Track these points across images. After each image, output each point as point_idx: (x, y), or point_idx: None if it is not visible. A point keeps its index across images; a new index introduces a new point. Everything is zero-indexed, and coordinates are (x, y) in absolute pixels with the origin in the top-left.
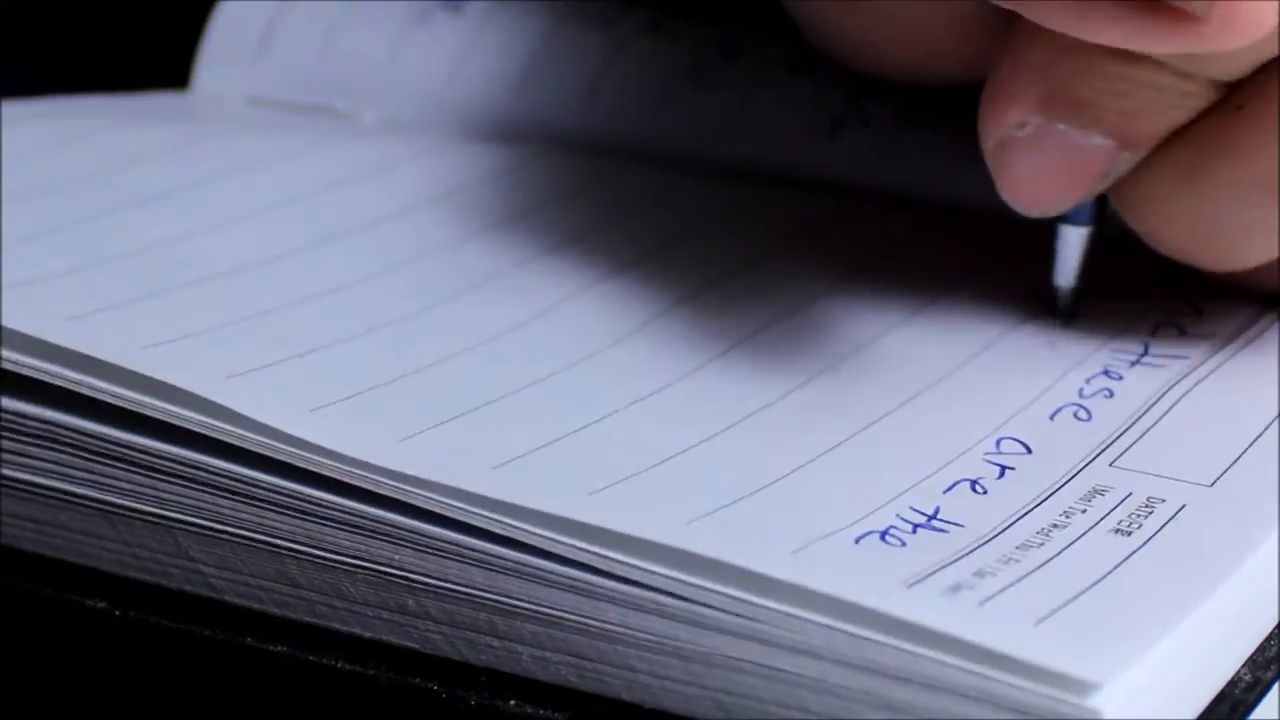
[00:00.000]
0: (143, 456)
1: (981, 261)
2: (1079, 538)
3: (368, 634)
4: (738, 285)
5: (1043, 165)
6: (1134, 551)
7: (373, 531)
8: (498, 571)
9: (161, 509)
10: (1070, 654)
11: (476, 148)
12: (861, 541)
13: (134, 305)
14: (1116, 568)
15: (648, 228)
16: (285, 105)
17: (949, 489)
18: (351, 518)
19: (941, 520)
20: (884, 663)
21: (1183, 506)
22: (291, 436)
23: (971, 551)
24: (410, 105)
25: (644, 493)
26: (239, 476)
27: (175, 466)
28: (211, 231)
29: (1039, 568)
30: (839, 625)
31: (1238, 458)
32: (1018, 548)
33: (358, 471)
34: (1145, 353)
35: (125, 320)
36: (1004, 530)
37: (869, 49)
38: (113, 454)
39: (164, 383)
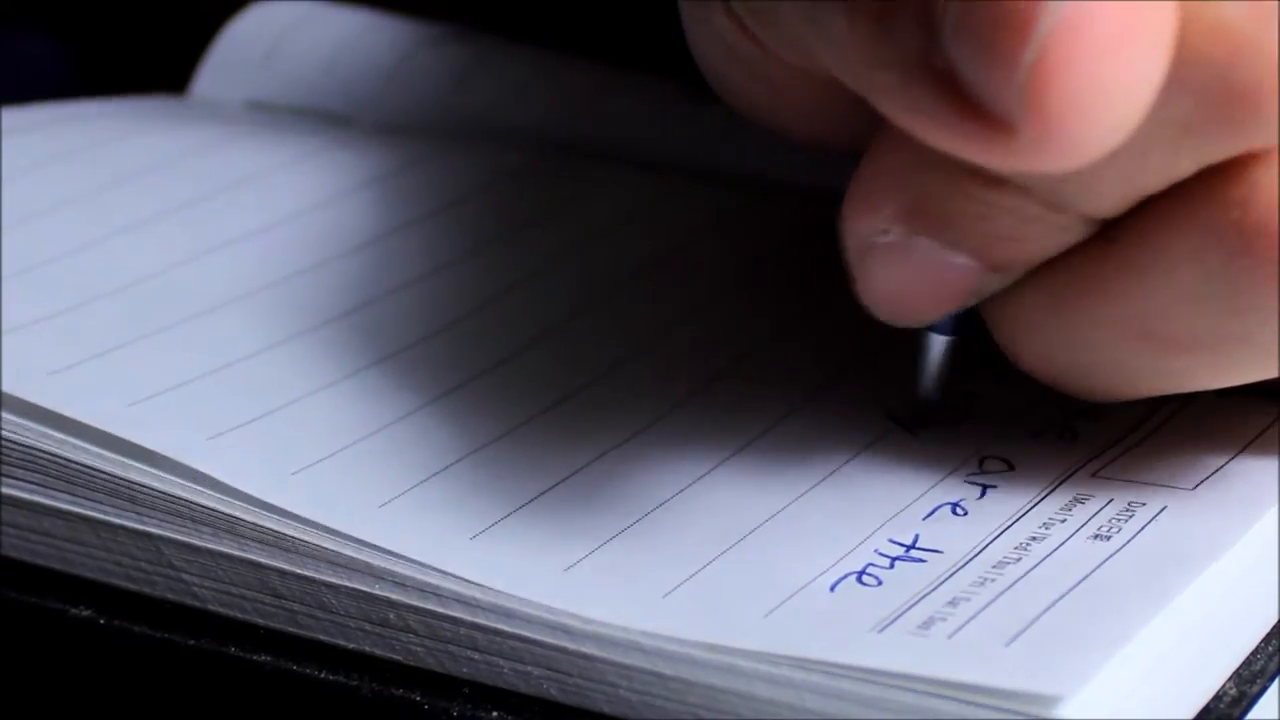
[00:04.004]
0: (127, 489)
1: None
2: (1057, 548)
3: (350, 645)
4: (715, 315)
5: (903, 277)
6: (1111, 555)
7: (353, 568)
8: (477, 608)
9: (144, 526)
10: (1037, 671)
11: (471, 155)
12: (837, 588)
13: (118, 353)
14: (1092, 572)
15: (641, 240)
16: (284, 108)
17: (929, 515)
18: (331, 553)
19: (920, 549)
20: (859, 693)
21: (1163, 509)
22: (272, 505)
23: (947, 579)
24: (411, 111)
25: (616, 566)
26: (222, 514)
27: (158, 499)
28: (202, 259)
29: (1014, 584)
30: (812, 677)
31: (1223, 464)
32: (994, 566)
33: (338, 539)
34: None
35: (108, 373)
36: (982, 550)
37: (760, 109)
38: (96, 483)
39: (146, 448)
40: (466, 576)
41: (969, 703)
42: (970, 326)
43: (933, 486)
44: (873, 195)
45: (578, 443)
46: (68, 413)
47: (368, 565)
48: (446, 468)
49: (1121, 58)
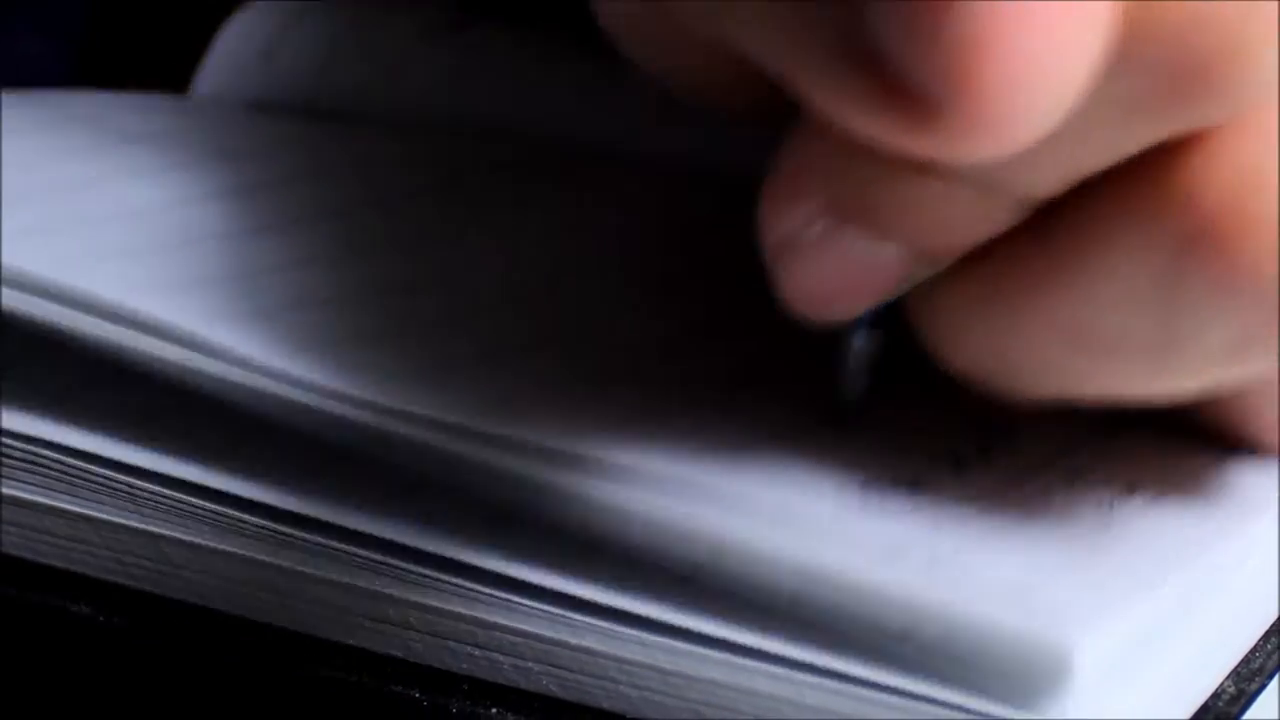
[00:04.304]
0: (128, 491)
1: None
2: (1060, 511)
3: (350, 641)
4: (707, 309)
5: (830, 271)
6: (1114, 524)
7: (356, 564)
8: (478, 601)
9: (145, 524)
10: (1045, 621)
11: (465, 149)
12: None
13: (123, 258)
14: (1097, 535)
15: (638, 237)
16: (285, 107)
17: (927, 465)
18: (333, 549)
19: (920, 494)
20: (859, 691)
21: (1164, 492)
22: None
23: (948, 526)
24: (410, 107)
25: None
26: (224, 513)
27: (159, 499)
28: (205, 242)
29: (1016, 538)
30: (811, 676)
31: (1224, 456)
32: (996, 521)
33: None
34: None
35: (118, 269)
36: (984, 504)
37: (666, 75)
38: (97, 483)
39: (151, 323)
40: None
41: (968, 696)
42: (894, 322)
43: (932, 441)
44: (798, 188)
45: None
46: (76, 286)
47: (363, 555)
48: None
49: (1059, 27)
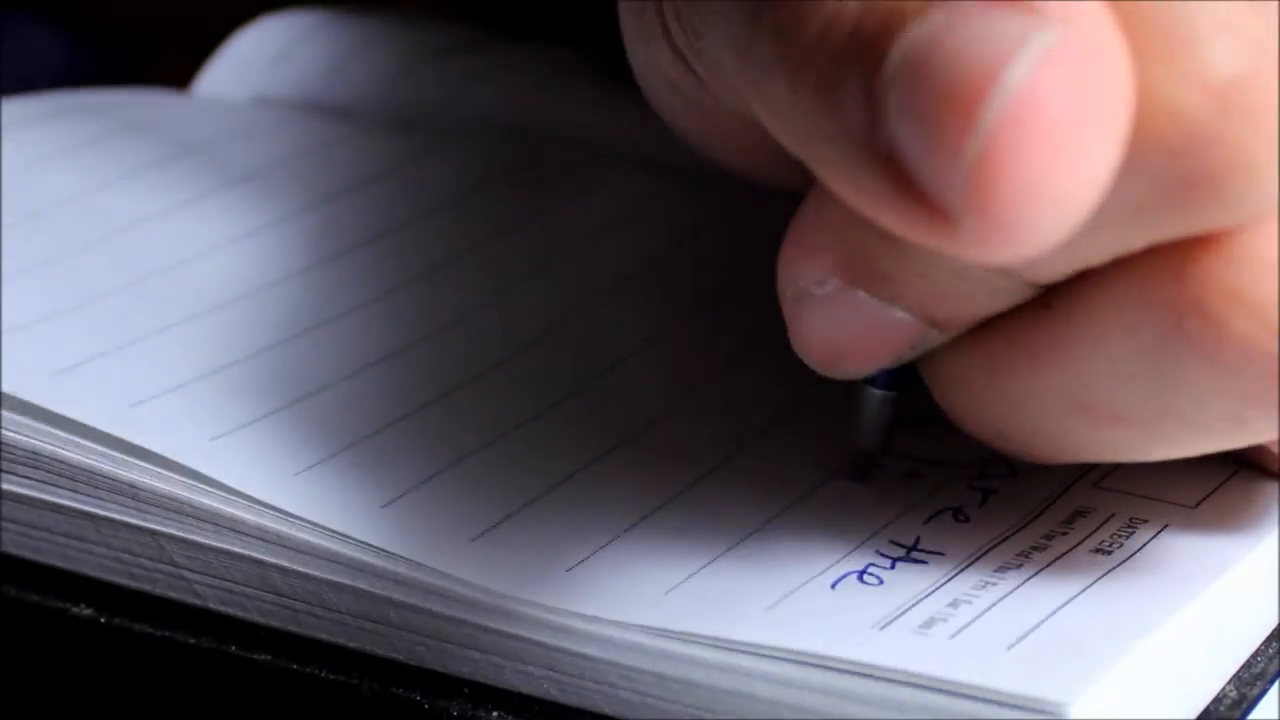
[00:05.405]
0: (128, 486)
1: None
2: (1058, 558)
3: (351, 644)
4: (717, 311)
5: (840, 329)
6: (1112, 569)
7: (356, 567)
8: (479, 608)
9: (145, 522)
10: (1039, 676)
11: (473, 152)
12: (838, 585)
13: (121, 353)
14: (1093, 584)
15: (642, 238)
16: (289, 103)
17: (931, 518)
18: (333, 553)
19: (921, 550)
20: (860, 693)
21: (1164, 527)
22: (274, 506)
23: (949, 580)
24: (416, 108)
25: (617, 566)
26: (224, 512)
27: (160, 496)
28: (203, 256)
29: (1015, 590)
30: (813, 675)
31: (1223, 482)
32: (995, 571)
33: (340, 540)
34: None
35: (111, 373)
36: (983, 555)
37: (700, 140)
38: (97, 480)
39: (148, 450)
40: (469, 579)
41: (972, 699)
42: (910, 381)
43: (935, 491)
44: (810, 245)
45: (579, 443)
46: (70, 414)
47: (370, 566)
48: (448, 468)
49: (1073, 151)
